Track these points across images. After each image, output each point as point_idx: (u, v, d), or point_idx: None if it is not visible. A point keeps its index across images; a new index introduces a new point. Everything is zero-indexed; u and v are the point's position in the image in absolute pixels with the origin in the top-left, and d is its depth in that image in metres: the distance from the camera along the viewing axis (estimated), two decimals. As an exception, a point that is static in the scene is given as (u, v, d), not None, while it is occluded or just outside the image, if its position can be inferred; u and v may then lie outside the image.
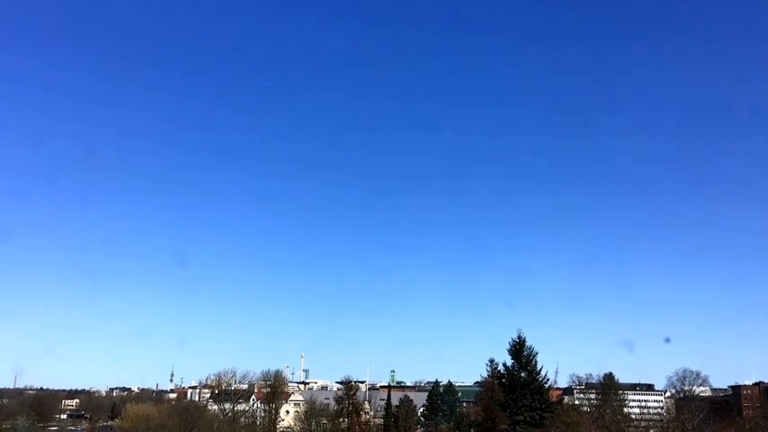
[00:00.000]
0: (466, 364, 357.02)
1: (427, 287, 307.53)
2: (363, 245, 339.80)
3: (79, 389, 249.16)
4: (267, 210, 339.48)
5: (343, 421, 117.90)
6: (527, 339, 73.65)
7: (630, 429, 60.51)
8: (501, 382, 76.27)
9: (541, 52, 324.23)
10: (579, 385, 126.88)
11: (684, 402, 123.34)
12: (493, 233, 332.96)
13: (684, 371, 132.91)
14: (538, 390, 71.68)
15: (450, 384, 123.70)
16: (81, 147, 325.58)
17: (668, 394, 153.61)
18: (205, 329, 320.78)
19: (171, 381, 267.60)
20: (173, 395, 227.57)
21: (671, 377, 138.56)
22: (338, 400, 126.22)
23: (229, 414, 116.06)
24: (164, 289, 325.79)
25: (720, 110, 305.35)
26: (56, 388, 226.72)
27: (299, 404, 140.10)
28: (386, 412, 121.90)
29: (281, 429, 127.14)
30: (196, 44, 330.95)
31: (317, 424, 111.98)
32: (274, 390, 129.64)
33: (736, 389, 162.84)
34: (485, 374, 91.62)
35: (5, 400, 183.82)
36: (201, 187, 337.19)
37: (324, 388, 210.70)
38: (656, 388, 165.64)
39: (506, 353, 74.34)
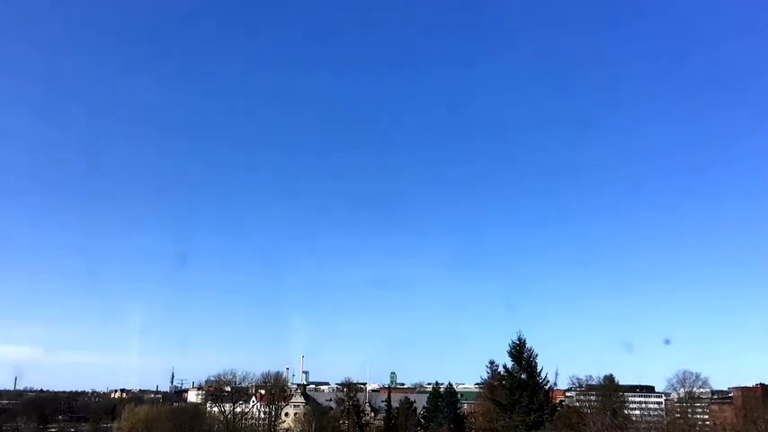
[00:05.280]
0: (466, 366, 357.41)
1: (427, 288, 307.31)
2: (363, 245, 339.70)
3: (79, 390, 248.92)
4: (267, 210, 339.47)
5: (344, 423, 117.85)
6: (527, 341, 73.75)
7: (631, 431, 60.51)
8: (501, 384, 76.25)
9: (541, 51, 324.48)
10: (579, 387, 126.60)
11: (685, 404, 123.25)
12: (493, 234, 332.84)
13: (684, 372, 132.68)
14: (538, 391, 71.70)
15: (450, 386, 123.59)
16: (81, 146, 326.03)
17: (669, 396, 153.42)
18: (205, 330, 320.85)
19: (171, 382, 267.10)
20: (173, 396, 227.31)
21: (671, 379, 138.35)
22: (338, 401, 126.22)
23: (229, 416, 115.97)
24: (164, 289, 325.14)
25: (720, 109, 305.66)
26: (56, 389, 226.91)
27: (299, 406, 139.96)
28: (386, 414, 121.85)
29: (282, 431, 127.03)
30: (195, 43, 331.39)
31: (318, 426, 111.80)
32: (274, 391, 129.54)
33: (736, 390, 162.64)
34: (485, 376, 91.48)
35: (6, 402, 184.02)
36: (202, 187, 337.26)
37: (324, 390, 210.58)
38: (656, 390, 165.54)
39: (507, 354, 74.42)
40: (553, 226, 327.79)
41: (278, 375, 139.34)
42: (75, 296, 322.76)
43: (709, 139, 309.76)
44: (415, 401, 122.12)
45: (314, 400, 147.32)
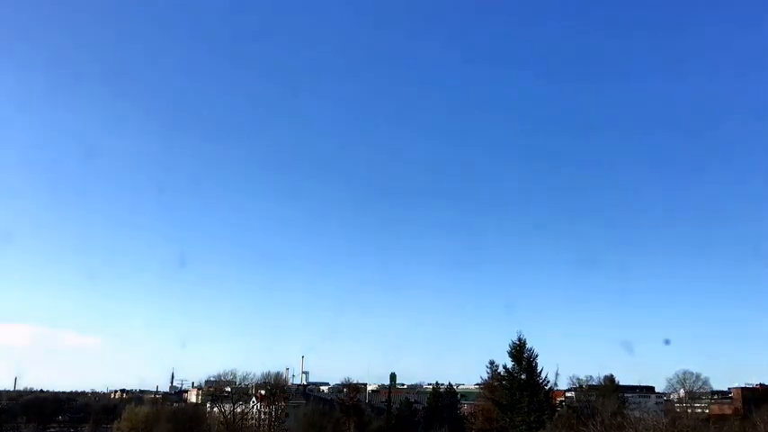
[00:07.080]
0: (466, 366, 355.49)
1: (427, 288, 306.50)
2: (363, 246, 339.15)
3: (79, 390, 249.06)
4: (268, 210, 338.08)
5: (344, 423, 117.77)
6: (527, 341, 74.01)
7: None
8: (501, 384, 76.41)
9: (539, 53, 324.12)
10: (579, 387, 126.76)
11: (685, 404, 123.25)
12: (493, 234, 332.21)
13: (685, 373, 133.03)
14: (538, 391, 71.89)
15: (450, 386, 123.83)
16: (82, 146, 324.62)
17: (669, 396, 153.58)
18: (205, 330, 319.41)
19: (171, 382, 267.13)
20: (173, 396, 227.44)
21: (671, 379, 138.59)
22: (339, 402, 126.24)
23: (229, 416, 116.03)
24: (164, 289, 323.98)
25: (720, 109, 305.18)
26: (56, 389, 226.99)
27: (299, 406, 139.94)
28: (386, 415, 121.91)
29: (282, 431, 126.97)
30: (195, 42, 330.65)
31: (318, 426, 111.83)
32: (275, 392, 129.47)
33: (736, 390, 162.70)
34: (485, 376, 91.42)
35: (6, 402, 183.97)
36: (202, 187, 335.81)
37: (324, 390, 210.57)
38: (656, 390, 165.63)
39: (507, 354, 74.60)
40: (553, 226, 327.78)
41: (278, 375, 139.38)
42: (74, 295, 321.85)
43: (709, 138, 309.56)
44: (415, 402, 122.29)
45: (314, 400, 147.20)
